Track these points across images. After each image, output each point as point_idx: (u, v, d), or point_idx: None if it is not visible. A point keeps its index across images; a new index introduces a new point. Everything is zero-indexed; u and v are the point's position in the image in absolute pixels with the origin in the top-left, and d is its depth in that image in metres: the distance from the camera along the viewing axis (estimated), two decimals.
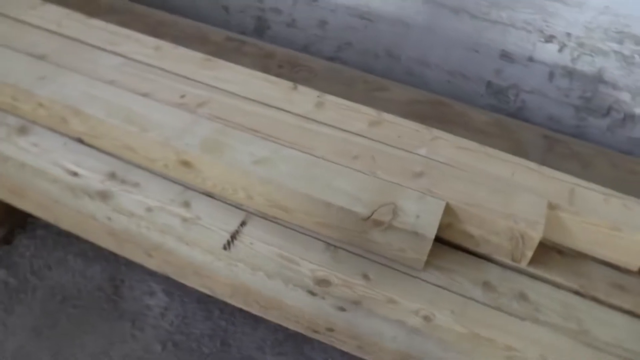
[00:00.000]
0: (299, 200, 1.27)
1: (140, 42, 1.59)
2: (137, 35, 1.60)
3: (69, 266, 1.62)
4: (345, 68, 1.81)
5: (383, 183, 1.29)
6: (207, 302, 1.55)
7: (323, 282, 1.25)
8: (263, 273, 1.26)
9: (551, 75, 1.78)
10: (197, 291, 1.53)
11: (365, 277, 1.26)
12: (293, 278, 1.26)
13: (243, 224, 1.32)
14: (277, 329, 1.46)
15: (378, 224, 1.23)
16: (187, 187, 1.38)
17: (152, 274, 1.61)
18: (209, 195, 1.37)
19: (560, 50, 1.73)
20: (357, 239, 1.28)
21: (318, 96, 1.47)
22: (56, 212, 1.49)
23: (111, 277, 1.60)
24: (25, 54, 1.53)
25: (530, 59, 1.78)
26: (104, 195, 1.37)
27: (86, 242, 1.62)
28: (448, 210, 1.25)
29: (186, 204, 1.35)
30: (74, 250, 1.66)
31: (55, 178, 1.41)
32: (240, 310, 1.36)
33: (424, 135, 1.41)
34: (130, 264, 1.62)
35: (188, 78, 1.49)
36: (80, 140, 1.47)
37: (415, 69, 1.96)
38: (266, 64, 1.70)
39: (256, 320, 1.49)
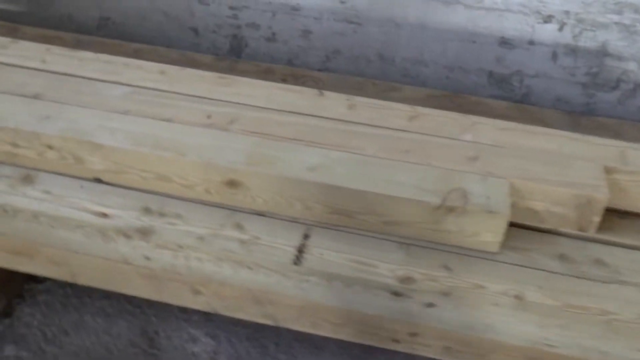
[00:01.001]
0: (364, 201, 1.47)
1: (142, 68, 1.75)
2: (136, 61, 1.76)
3: (90, 327, 1.71)
4: (349, 76, 2.05)
5: (442, 171, 1.51)
6: (258, 338, 1.69)
7: (406, 280, 1.45)
8: (340, 282, 1.44)
9: (554, 56, 2.10)
10: (244, 328, 1.67)
11: (446, 268, 1.47)
12: (373, 282, 1.44)
13: (306, 236, 1.50)
14: (343, 351, 1.63)
15: (452, 210, 1.45)
16: (233, 209, 1.54)
17: (188, 320, 1.73)
18: (260, 214, 1.54)
19: (560, 29, 2.05)
20: (428, 231, 1.49)
21: (347, 99, 1.69)
22: (74, 266, 1.59)
23: (142, 330, 1.71)
24: (16, 95, 1.65)
25: (531, 42, 2.09)
26: (144, 232, 1.50)
27: (103, 299, 1.73)
28: (511, 188, 1.49)
29: (239, 227, 1.51)
30: (90, 310, 1.75)
31: (79, 223, 1.52)
32: (298, 340, 1.52)
33: (463, 122, 1.66)
34: (160, 314, 1.74)
35: (207, 98, 1.67)
36: (99, 180, 1.59)
37: (411, 69, 2.23)
38: (269, 80, 1.90)
39: (317, 347, 1.65)
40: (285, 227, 1.50)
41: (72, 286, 1.76)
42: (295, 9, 2.18)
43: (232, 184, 1.50)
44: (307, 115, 1.63)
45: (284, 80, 1.90)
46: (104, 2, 2.32)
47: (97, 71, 1.73)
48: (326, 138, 1.57)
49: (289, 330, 1.52)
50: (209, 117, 1.60)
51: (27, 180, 1.59)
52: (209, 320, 1.70)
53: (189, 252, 1.48)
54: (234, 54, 2.32)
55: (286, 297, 1.45)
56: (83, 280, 1.61)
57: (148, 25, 2.34)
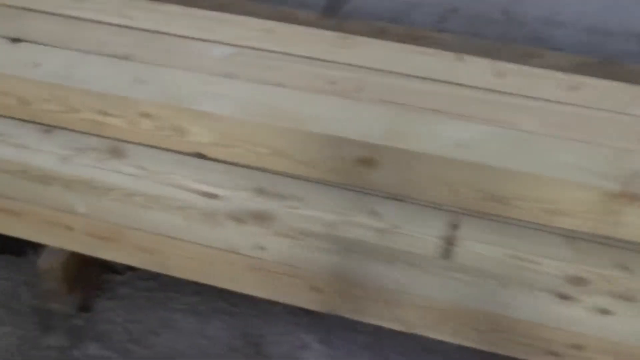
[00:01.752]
0: (523, 185, 1.41)
1: (243, 25, 1.71)
2: (235, 17, 1.72)
3: (181, 327, 1.68)
4: (478, 39, 1.98)
5: (614, 150, 1.45)
6: (379, 347, 1.65)
7: (577, 281, 1.39)
8: (495, 281, 1.39)
9: None
10: (362, 334, 1.64)
11: (624, 267, 1.41)
12: (537, 281, 1.39)
13: (454, 225, 1.45)
14: None
15: (633, 198, 1.38)
16: (363, 192, 1.50)
17: (297, 322, 1.69)
18: (396, 198, 1.49)
19: None
20: (601, 223, 1.43)
21: (492, 65, 1.63)
22: (168, 254, 1.57)
23: (243, 333, 1.67)
24: (100, 55, 1.62)
25: None
26: (260, 217, 1.46)
27: (193, 294, 1.71)
28: None
29: (373, 212, 1.47)
30: (179, 307, 1.72)
31: (180, 204, 1.49)
32: (427, 350, 1.48)
33: (633, 93, 1.59)
34: (263, 315, 1.70)
35: (326, 60, 1.63)
36: (201, 155, 1.56)
37: (543, 32, 2.16)
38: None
39: (447, 357, 1.61)
40: (427, 215, 1.46)
41: (156, 279, 1.73)
42: None
43: (366, 162, 1.45)
44: (445, 82, 1.58)
45: (402, 43, 1.83)
46: None
47: (189, 28, 1.70)
48: (472, 110, 1.52)
49: (416, 338, 1.50)
50: (331, 82, 1.55)
51: (117, 153, 1.57)
52: (320, 324, 1.66)
53: (313, 242, 1.44)
54: (330, 11, 2.27)
55: (427, 298, 1.41)
56: (176, 271, 1.59)
57: None
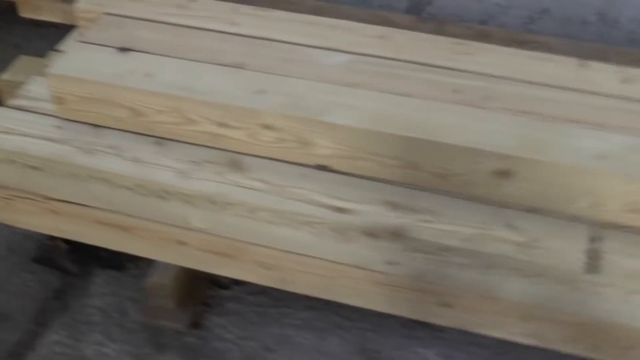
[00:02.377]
0: None
1: (355, 31, 1.68)
2: (347, 23, 1.69)
3: (297, 343, 1.65)
4: (581, 41, 1.95)
5: None
6: None
7: None
8: None
9: None
10: (482, 348, 1.65)
11: None
12: None
13: (596, 239, 1.41)
14: None
15: None
16: (499, 205, 1.47)
17: (413, 336, 1.66)
18: (533, 211, 1.46)
19: None
20: None
21: (617, 71, 1.59)
22: (289, 270, 1.55)
23: (359, 349, 1.64)
24: (214, 64, 1.59)
25: None
26: (394, 232, 1.43)
27: (306, 310, 1.68)
28: None
29: (510, 226, 1.44)
30: (293, 322, 1.69)
31: (307, 219, 1.46)
32: None
33: None
34: (379, 329, 1.67)
35: (446, 68, 1.59)
36: (323, 167, 1.52)
37: (638, 32, 2.12)
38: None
39: None
40: (567, 228, 1.43)
41: (266, 293, 1.71)
42: None
43: (501, 173, 1.42)
44: (573, 90, 1.55)
45: (508, 47, 1.80)
46: None
47: (301, 34, 1.67)
48: (605, 118, 1.49)
49: (543, 353, 1.47)
50: (456, 91, 1.52)
51: (236, 166, 1.53)
52: (439, 337, 1.64)
53: (449, 256, 1.41)
54: (412, 13, 2.23)
55: (569, 313, 1.38)
56: (295, 287, 1.56)
57: None
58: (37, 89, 1.70)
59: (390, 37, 1.67)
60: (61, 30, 2.23)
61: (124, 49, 1.61)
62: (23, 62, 1.93)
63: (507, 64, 1.60)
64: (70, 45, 1.73)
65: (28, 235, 1.81)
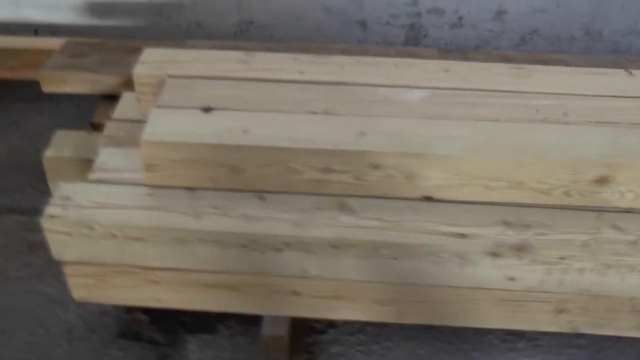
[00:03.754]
0: None
1: (419, 67, 1.79)
2: (408, 61, 1.80)
3: None
4: (595, 56, 2.15)
5: None
6: None
7: None
8: None
9: None
10: (581, 349, 1.74)
11: None
12: None
13: None
14: None
15: None
16: (598, 210, 1.60)
17: (513, 348, 1.76)
18: (628, 211, 1.61)
19: None
20: None
21: None
22: (408, 302, 1.62)
23: None
24: (302, 113, 1.65)
25: None
26: (514, 249, 1.54)
27: (407, 339, 1.77)
28: None
29: (617, 227, 1.58)
30: (399, 355, 1.75)
31: (431, 249, 1.53)
32: None
33: None
34: (479, 347, 1.74)
35: (516, 92, 1.73)
36: (429, 198, 1.62)
37: (621, 43, 2.36)
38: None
39: None
40: None
41: (364, 331, 1.76)
42: None
43: (601, 180, 1.56)
44: (636, 97, 1.70)
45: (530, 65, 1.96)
46: (246, 4, 2.31)
47: (371, 75, 1.75)
48: None
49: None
50: (537, 111, 1.65)
51: (345, 209, 1.59)
52: (537, 346, 1.74)
53: (569, 264, 1.52)
54: (409, 45, 2.37)
55: None
56: (410, 318, 1.63)
57: (304, 24, 2.35)
58: (111, 160, 1.68)
59: (451, 69, 1.77)
60: (56, 103, 2.22)
61: (207, 109, 1.64)
62: (61, 137, 1.90)
63: (567, 82, 1.74)
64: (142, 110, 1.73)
65: (103, 311, 1.78)
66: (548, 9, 2.29)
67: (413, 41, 2.36)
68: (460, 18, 2.32)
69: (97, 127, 1.94)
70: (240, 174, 1.58)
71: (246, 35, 2.37)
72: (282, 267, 1.56)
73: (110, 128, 1.78)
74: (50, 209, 1.55)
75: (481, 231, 1.54)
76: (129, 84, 1.92)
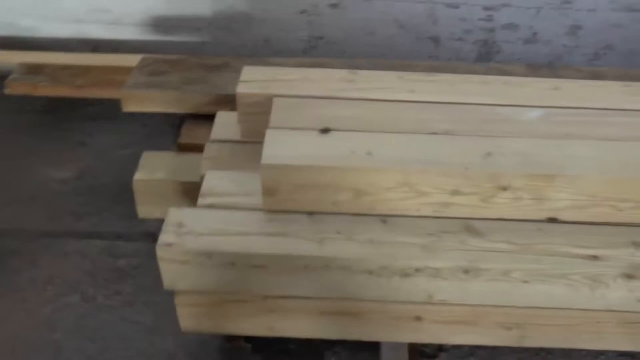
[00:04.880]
0: None
1: (530, 85, 1.77)
2: (516, 79, 1.78)
3: None
4: None
5: None
6: None
7: None
8: None
9: None
10: None
11: None
12: None
13: None
14: None
15: None
16: None
17: None
18: None
19: None
20: None
21: None
22: (530, 325, 1.59)
23: None
24: (423, 134, 1.62)
25: None
26: None
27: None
28: None
29: None
30: None
31: (562, 272, 1.50)
32: None
33: None
34: None
35: (634, 110, 1.71)
36: (553, 220, 1.60)
37: None
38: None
39: None
40: None
41: (475, 354, 1.74)
42: (567, 1, 2.24)
43: None
44: None
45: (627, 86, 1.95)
46: (317, 19, 2.28)
47: (484, 95, 1.73)
48: None
49: None
50: None
51: (473, 232, 1.56)
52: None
53: None
54: (481, 61, 2.35)
55: None
56: (532, 342, 1.61)
57: (375, 39, 2.32)
58: (219, 184, 1.64)
59: (562, 87, 1.75)
60: (121, 123, 2.17)
61: (325, 130, 1.59)
62: (150, 158, 1.84)
63: None
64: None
65: (202, 340, 1.73)
66: (624, 24, 2.28)
67: (485, 57, 2.34)
68: (535, 33, 2.30)
69: (184, 148, 1.87)
70: (363, 197, 1.54)
71: (315, 51, 2.33)
72: (408, 293, 1.52)
73: (210, 150, 1.72)
74: (164, 237, 1.49)
75: (612, 253, 1.52)
76: (216, 103, 1.87)
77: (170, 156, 1.82)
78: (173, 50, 2.28)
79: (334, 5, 2.24)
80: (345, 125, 1.60)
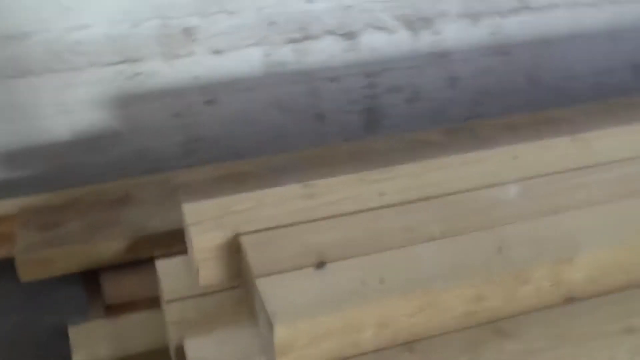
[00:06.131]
0: None
1: (491, 160, 1.70)
2: (468, 156, 1.71)
3: None
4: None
5: None
6: None
7: None
8: None
9: None
10: None
11: None
12: None
13: None
14: None
15: None
16: None
17: None
18: None
19: None
20: None
21: None
22: None
23: None
24: (421, 243, 1.50)
25: None
26: None
27: None
28: None
29: None
30: None
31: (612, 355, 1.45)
32: None
33: None
34: None
35: (596, 165, 1.69)
36: (571, 299, 1.54)
37: (561, 86, 2.44)
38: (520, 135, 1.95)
39: None
40: None
41: None
42: (444, 55, 2.21)
43: None
44: None
45: (535, 131, 1.94)
46: (192, 121, 2.07)
47: (449, 181, 1.63)
48: None
49: None
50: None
51: (503, 335, 1.46)
52: None
53: None
54: (368, 131, 2.26)
55: None
56: None
57: (258, 129, 2.14)
58: (209, 354, 1.39)
59: (519, 155, 1.69)
60: None
61: (320, 265, 1.40)
62: (78, 334, 1.53)
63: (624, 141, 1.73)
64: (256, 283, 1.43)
65: None
66: (495, 68, 2.27)
67: (372, 125, 2.22)
68: (417, 92, 2.22)
69: (114, 312, 1.56)
70: (384, 329, 1.36)
71: (195, 154, 2.08)
72: None
73: (172, 312, 1.44)
74: None
75: None
76: (137, 247, 1.59)
77: (101, 326, 1.49)
78: (29, 186, 1.91)
79: (209, 102, 2.00)
80: (336, 254, 1.40)
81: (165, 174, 1.83)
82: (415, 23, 2.16)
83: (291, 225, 1.47)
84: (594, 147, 1.71)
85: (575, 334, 1.43)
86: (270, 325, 1.26)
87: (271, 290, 1.32)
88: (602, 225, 1.50)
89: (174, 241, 1.66)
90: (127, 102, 1.95)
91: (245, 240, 1.42)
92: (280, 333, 1.28)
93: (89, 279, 1.69)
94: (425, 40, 2.19)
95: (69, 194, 1.77)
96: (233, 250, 1.44)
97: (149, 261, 1.67)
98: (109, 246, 1.61)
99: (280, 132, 2.13)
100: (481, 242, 1.44)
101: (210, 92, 2.01)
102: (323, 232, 1.45)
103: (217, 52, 1.97)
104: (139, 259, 1.63)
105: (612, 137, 1.76)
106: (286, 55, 2.05)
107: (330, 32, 2.09)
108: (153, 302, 1.58)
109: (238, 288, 1.48)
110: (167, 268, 1.53)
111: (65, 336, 1.68)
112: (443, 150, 1.78)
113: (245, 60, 2.00)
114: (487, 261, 1.40)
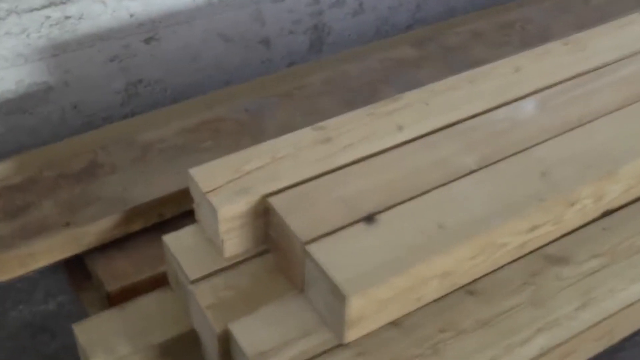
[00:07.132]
0: None
1: (495, 75, 1.60)
2: (473, 73, 1.60)
3: None
4: None
5: None
6: None
7: None
8: None
9: None
10: None
11: None
12: None
13: None
14: None
15: None
16: None
17: None
18: None
19: None
20: None
21: None
22: None
23: None
24: (460, 179, 1.40)
25: None
26: None
27: None
28: None
29: None
30: None
31: None
32: None
33: None
34: None
35: (603, 65, 1.64)
36: (608, 213, 1.51)
37: None
38: None
39: None
40: None
41: None
42: None
43: None
44: None
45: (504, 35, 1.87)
46: (131, 63, 1.85)
47: (463, 105, 1.53)
48: None
49: None
50: None
51: (553, 261, 1.41)
52: None
53: None
54: (314, 51, 2.11)
55: None
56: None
57: (201, 64, 1.95)
58: (257, 336, 1.24)
59: (522, 67, 1.60)
60: None
61: (369, 219, 1.28)
62: (84, 330, 1.35)
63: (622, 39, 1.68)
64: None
65: None
66: None
67: (317, 44, 2.06)
68: (361, 3, 2.07)
69: (117, 299, 1.38)
70: (448, 277, 1.26)
71: (137, 98, 1.85)
72: None
73: (203, 294, 1.27)
74: None
75: None
76: (127, 222, 1.41)
77: (109, 318, 1.31)
78: None
79: (148, 40, 1.76)
80: (378, 204, 1.28)
81: (129, 134, 1.59)
82: None
83: (316, 177, 1.31)
84: (589, 50, 1.62)
85: (622, 249, 1.41)
86: (340, 297, 1.13)
87: (327, 257, 1.17)
88: (631, 132, 1.45)
89: (165, 210, 1.47)
90: (57, 52, 1.68)
91: (275, 203, 1.25)
92: (354, 304, 1.14)
93: (71, 268, 1.47)
94: None
95: (16, 166, 1.50)
96: (259, 215, 1.27)
97: (132, 236, 1.48)
98: (98, 226, 1.39)
99: (224, 64, 1.92)
100: (522, 169, 1.36)
101: (149, 29, 1.77)
102: (353, 181, 1.31)
103: None
104: (125, 234, 1.42)
105: (603, 36, 1.70)
106: None
107: None
108: (156, 281, 1.39)
109: (263, 255, 1.31)
110: (174, 243, 1.34)
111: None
112: (423, 69, 1.65)
113: None
114: (536, 189, 1.31)
